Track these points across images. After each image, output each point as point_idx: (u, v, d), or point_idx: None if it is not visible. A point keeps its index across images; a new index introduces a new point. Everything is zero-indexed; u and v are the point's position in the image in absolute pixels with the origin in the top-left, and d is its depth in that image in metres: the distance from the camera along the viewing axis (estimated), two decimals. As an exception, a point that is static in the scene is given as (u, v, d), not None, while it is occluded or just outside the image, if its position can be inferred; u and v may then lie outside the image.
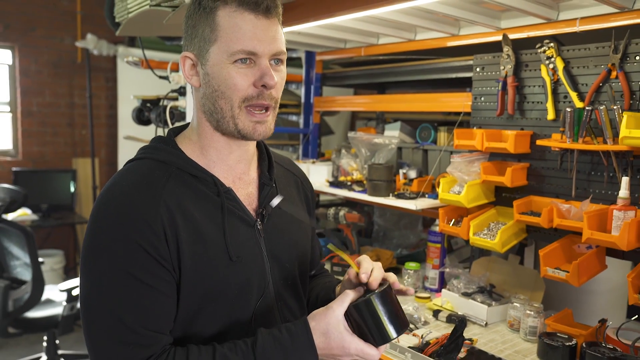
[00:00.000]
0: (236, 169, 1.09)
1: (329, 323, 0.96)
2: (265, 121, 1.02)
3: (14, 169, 4.59)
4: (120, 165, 4.93)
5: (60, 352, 3.50)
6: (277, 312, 1.09)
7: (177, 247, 0.95)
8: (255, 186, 1.12)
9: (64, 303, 3.17)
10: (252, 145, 1.12)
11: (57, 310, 3.25)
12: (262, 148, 1.18)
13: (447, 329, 1.79)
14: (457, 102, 2.15)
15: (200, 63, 1.01)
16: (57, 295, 3.42)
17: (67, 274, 4.96)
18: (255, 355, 0.93)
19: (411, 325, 1.79)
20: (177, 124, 2.33)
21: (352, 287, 1.06)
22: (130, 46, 4.86)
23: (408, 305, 1.92)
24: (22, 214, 4.28)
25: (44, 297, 3.24)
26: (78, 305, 3.28)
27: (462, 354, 1.58)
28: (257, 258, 1.06)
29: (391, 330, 0.97)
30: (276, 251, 1.10)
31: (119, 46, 4.78)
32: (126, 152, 4.97)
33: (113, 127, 5.16)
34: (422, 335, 1.68)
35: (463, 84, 2.52)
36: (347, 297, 0.98)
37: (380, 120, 2.85)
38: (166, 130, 1.14)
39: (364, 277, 1.03)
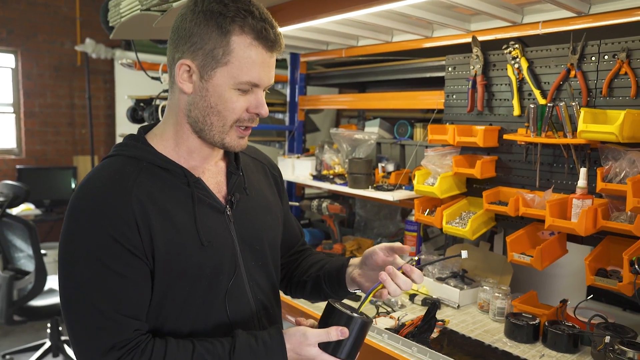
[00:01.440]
0: (205, 162, 1.09)
1: (302, 348, 0.97)
2: (244, 137, 1.06)
3: (17, 166, 4.54)
4: (119, 162, 4.92)
5: (63, 338, 3.49)
6: (249, 291, 1.09)
7: (150, 236, 0.95)
8: (223, 175, 1.12)
9: (66, 292, 3.15)
10: None
11: (58, 299, 3.23)
12: None
13: (422, 312, 1.80)
14: (432, 99, 2.16)
15: (200, 75, 0.99)
16: (60, 285, 3.39)
17: (70, 265, 4.92)
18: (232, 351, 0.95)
19: (388, 309, 1.80)
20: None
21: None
22: (126, 49, 4.81)
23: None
24: (26, 208, 4.23)
25: (47, 286, 3.21)
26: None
27: (435, 334, 1.60)
28: (227, 242, 1.06)
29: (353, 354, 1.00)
30: (245, 235, 1.10)
31: (116, 50, 4.73)
32: (124, 149, 4.94)
33: (111, 126, 5.11)
34: (398, 318, 1.70)
35: (437, 83, 2.53)
36: (326, 334, 0.98)
37: (361, 117, 2.86)
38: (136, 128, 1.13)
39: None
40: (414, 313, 1.78)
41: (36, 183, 4.36)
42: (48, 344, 3.43)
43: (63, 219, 0.98)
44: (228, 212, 1.08)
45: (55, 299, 3.24)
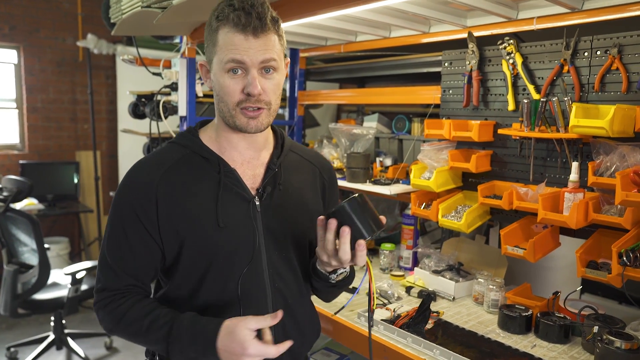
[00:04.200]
0: (245, 154, 1.20)
1: (239, 329, 1.02)
2: (256, 117, 1.11)
3: (21, 161, 4.58)
4: (121, 156, 4.96)
5: (66, 331, 3.54)
6: (267, 278, 1.17)
7: (170, 214, 1.11)
8: (263, 169, 1.21)
9: (69, 286, 3.20)
10: (260, 136, 1.21)
11: (63, 293, 3.27)
12: (278, 138, 1.28)
13: (418, 304, 1.83)
14: (429, 94, 2.18)
15: (209, 70, 1.15)
16: (63, 278, 3.44)
17: (72, 259, 4.97)
18: (172, 326, 1.08)
19: (384, 300, 1.84)
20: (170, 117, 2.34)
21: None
22: (128, 45, 4.84)
23: (383, 283, 1.97)
24: (30, 203, 4.28)
25: (50, 280, 3.26)
26: (82, 287, 3.31)
27: (429, 325, 1.63)
28: (247, 228, 1.15)
29: (363, 231, 1.03)
30: (272, 226, 1.18)
31: (117, 45, 4.76)
32: (126, 144, 4.98)
33: (113, 121, 5.15)
34: (394, 309, 1.73)
35: (435, 78, 2.55)
36: (263, 319, 1.04)
37: (360, 112, 2.89)
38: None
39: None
40: (409, 305, 1.81)
41: (39, 178, 4.41)
42: (52, 336, 3.48)
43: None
44: (256, 202, 1.17)
45: (58, 293, 3.28)
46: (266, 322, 1.03)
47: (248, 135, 1.17)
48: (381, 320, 1.65)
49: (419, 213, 2.01)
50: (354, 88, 3.40)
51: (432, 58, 2.27)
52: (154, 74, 2.50)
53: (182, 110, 2.45)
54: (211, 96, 2.68)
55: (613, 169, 1.49)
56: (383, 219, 1.07)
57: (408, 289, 1.96)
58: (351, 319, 1.72)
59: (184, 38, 2.43)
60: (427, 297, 1.59)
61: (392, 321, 1.63)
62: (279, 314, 1.04)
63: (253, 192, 1.18)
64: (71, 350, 3.47)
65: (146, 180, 1.12)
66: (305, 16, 1.95)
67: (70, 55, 4.93)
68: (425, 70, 2.31)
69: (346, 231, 1.02)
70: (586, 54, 1.63)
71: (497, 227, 2.12)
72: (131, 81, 4.85)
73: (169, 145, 1.22)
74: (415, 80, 2.96)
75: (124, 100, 4.88)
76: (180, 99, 2.44)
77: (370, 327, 1.19)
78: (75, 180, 4.74)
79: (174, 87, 2.44)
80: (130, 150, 4.97)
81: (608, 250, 1.56)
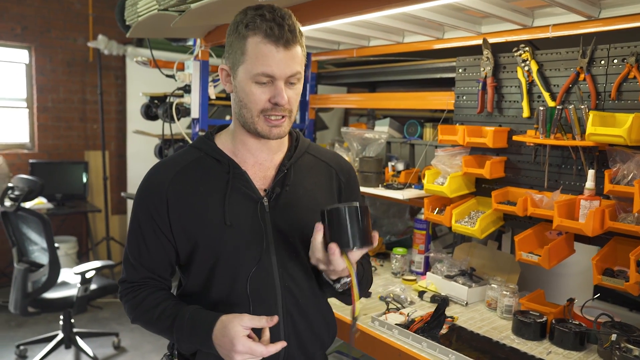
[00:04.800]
0: (258, 156, 1.24)
1: (232, 326, 1.06)
2: (280, 125, 1.16)
3: (30, 160, 4.61)
4: (129, 157, 4.98)
5: (75, 330, 3.55)
6: (277, 277, 1.19)
7: (180, 213, 1.17)
8: (274, 170, 1.25)
9: (79, 285, 3.22)
10: (274, 141, 1.23)
11: (72, 292, 3.29)
12: (292, 141, 1.30)
13: (431, 308, 1.84)
14: (441, 100, 2.19)
15: (232, 75, 1.17)
16: (72, 277, 3.46)
17: (80, 258, 4.99)
18: (175, 318, 1.15)
19: (397, 305, 1.84)
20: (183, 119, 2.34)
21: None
22: (138, 46, 4.86)
23: (395, 287, 1.98)
24: (39, 202, 4.30)
25: (60, 279, 3.27)
26: (92, 287, 3.33)
27: (444, 330, 1.63)
28: (255, 228, 1.18)
29: (350, 240, 1.04)
30: (282, 226, 1.20)
31: (127, 46, 4.78)
32: (134, 144, 5.00)
33: (122, 122, 5.18)
34: (407, 314, 1.73)
35: (446, 84, 2.56)
36: (258, 320, 1.08)
37: (371, 116, 2.89)
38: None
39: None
40: (422, 309, 1.81)
41: (48, 177, 4.43)
42: (60, 335, 3.49)
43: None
44: (265, 202, 1.20)
45: (67, 292, 3.30)
46: (260, 322, 1.07)
47: (264, 139, 1.20)
48: (395, 324, 1.65)
49: (432, 218, 2.01)
50: (363, 92, 3.40)
51: (445, 64, 2.28)
52: (167, 76, 2.51)
53: (195, 112, 2.46)
54: (222, 99, 2.69)
55: (630, 177, 1.49)
56: (375, 237, 1.08)
57: (421, 294, 1.96)
58: (364, 323, 1.72)
59: (198, 41, 2.45)
60: (443, 302, 1.59)
61: (407, 326, 1.63)
62: (275, 318, 1.08)
63: (262, 193, 1.21)
64: (80, 349, 3.49)
65: (159, 181, 1.19)
66: (320, 22, 1.95)
67: (80, 55, 4.96)
68: (437, 76, 2.31)
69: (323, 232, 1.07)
70: (603, 62, 1.63)
71: (509, 233, 2.12)
72: (141, 82, 4.88)
73: (188, 148, 1.27)
74: (425, 86, 2.97)
75: (134, 101, 4.91)
76: (193, 101, 2.45)
77: (353, 333, 1.15)
78: (84, 180, 4.76)
79: (187, 89, 2.45)
80: (139, 151, 4.99)
81: (624, 258, 1.57)
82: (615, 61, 1.60)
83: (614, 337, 1.39)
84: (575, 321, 1.62)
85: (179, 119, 2.43)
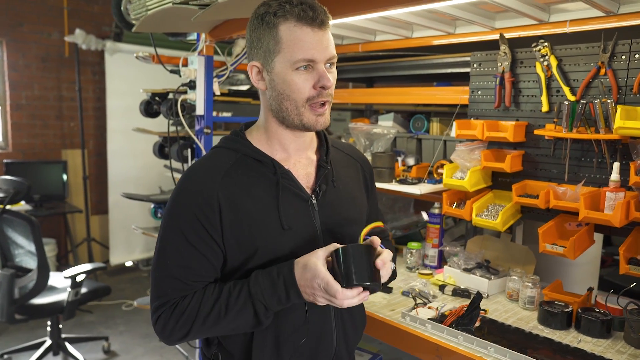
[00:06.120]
0: (296, 154, 1.20)
1: (310, 259, 1.04)
2: (324, 114, 1.13)
3: (5, 160, 4.39)
4: (109, 155, 4.81)
5: (64, 335, 3.42)
6: None
7: (233, 219, 1.08)
8: (314, 167, 1.22)
9: (69, 289, 3.09)
10: (308, 135, 1.21)
11: (61, 297, 3.15)
12: (321, 137, 1.27)
13: (455, 301, 1.86)
14: (454, 95, 2.20)
15: (265, 70, 1.11)
16: (60, 281, 3.32)
17: (60, 261, 4.81)
18: (248, 288, 1.07)
19: (424, 299, 1.84)
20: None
21: None
22: (117, 41, 4.71)
23: (416, 282, 1.98)
24: (17, 204, 4.11)
25: (49, 283, 3.13)
26: (82, 290, 3.20)
27: (476, 323, 1.65)
28: (309, 229, 1.15)
29: (354, 279, 1.02)
30: (330, 224, 1.18)
31: (106, 41, 4.62)
32: (115, 143, 4.84)
33: (101, 119, 5.00)
34: (437, 308, 1.74)
35: (451, 78, 2.57)
36: (332, 246, 1.07)
37: (371, 111, 2.88)
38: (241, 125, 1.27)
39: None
40: (447, 302, 1.82)
41: (25, 178, 4.22)
42: (48, 342, 3.36)
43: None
44: (313, 201, 1.17)
45: (56, 297, 3.16)
46: (329, 249, 1.05)
47: (300, 135, 1.18)
48: (428, 319, 1.65)
49: (451, 212, 2.02)
50: (360, 88, 3.39)
51: (453, 59, 2.28)
52: (171, 71, 2.43)
53: (200, 109, 2.39)
54: (225, 95, 2.63)
55: (656, 168, 1.54)
56: (379, 276, 1.06)
57: (441, 287, 1.97)
58: (394, 318, 1.71)
59: (202, 35, 2.37)
60: (478, 295, 1.60)
61: (440, 320, 1.64)
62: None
63: (309, 192, 1.18)
64: (69, 355, 3.36)
65: (206, 187, 1.09)
66: (335, 18, 1.90)
67: (55, 50, 4.76)
68: (447, 71, 2.32)
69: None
70: (624, 57, 1.67)
71: (522, 225, 2.16)
72: (121, 78, 4.73)
73: (217, 150, 1.19)
74: (423, 80, 2.98)
75: (114, 97, 4.75)
76: (198, 97, 2.38)
77: None
78: (64, 180, 4.57)
79: (192, 85, 2.38)
80: (120, 149, 4.84)
81: (646, 247, 1.62)
82: (637, 56, 1.64)
83: (650, 324, 1.43)
84: (599, 309, 1.66)
85: (184, 116, 2.36)
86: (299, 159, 1.20)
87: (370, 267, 1.04)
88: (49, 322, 3.37)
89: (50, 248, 4.52)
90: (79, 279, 3.10)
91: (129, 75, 4.71)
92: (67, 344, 3.39)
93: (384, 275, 1.07)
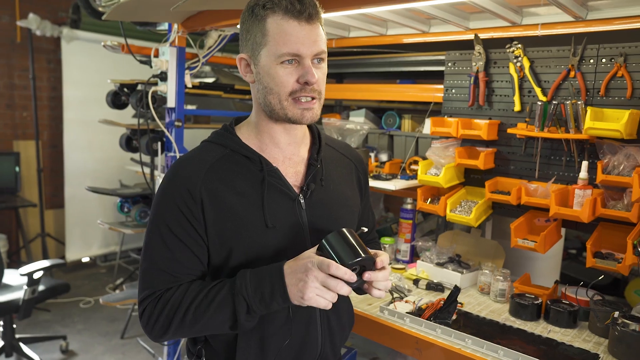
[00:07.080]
0: (286, 151, 1.18)
1: (301, 254, 1.03)
2: (311, 108, 1.10)
3: (-50, 151, 4.14)
4: (66, 147, 4.62)
5: (17, 336, 3.26)
6: None
7: (216, 214, 1.07)
8: (304, 165, 1.20)
9: (25, 287, 2.95)
10: (300, 130, 1.19)
11: (15, 295, 3.00)
12: (314, 134, 1.25)
13: (430, 295, 1.90)
14: (426, 93, 2.24)
15: (253, 63, 1.10)
16: (14, 279, 3.16)
17: (11, 257, 4.58)
18: (234, 281, 1.05)
19: (400, 294, 1.88)
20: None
21: None
22: (74, 28, 4.51)
23: (391, 277, 2.01)
24: (-36, 198, 3.88)
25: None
26: (40, 288, 3.06)
27: (453, 316, 1.69)
28: (295, 228, 1.13)
29: (347, 259, 1.00)
30: (318, 223, 1.16)
31: (63, 27, 4.42)
32: (71, 134, 4.64)
33: (56, 109, 4.78)
34: (414, 302, 1.78)
35: (422, 77, 2.62)
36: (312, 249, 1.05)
37: (341, 107, 2.90)
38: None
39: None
40: (421, 296, 1.86)
41: (-26, 170, 4.02)
42: (1, 343, 3.20)
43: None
44: (300, 200, 1.15)
45: (9, 296, 3.00)
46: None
47: (291, 129, 1.16)
48: (406, 312, 1.68)
49: (426, 208, 2.07)
50: (331, 83, 3.39)
51: (424, 57, 2.33)
52: (141, 62, 2.36)
53: (172, 102, 2.33)
54: (196, 88, 2.57)
55: (621, 167, 1.62)
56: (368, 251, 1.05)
57: (415, 282, 2.01)
58: (373, 313, 1.74)
59: (174, 26, 2.31)
60: (455, 289, 1.64)
61: (418, 314, 1.67)
62: None
63: (296, 190, 1.16)
64: (24, 356, 3.21)
65: (189, 179, 1.08)
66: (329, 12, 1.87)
67: (5, 35, 4.50)
68: (421, 69, 2.36)
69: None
70: (592, 60, 1.75)
71: (491, 220, 2.23)
72: (78, 67, 4.55)
73: (206, 144, 1.17)
74: (391, 78, 3.02)
75: (71, 87, 4.55)
76: (169, 89, 2.32)
77: None
78: (17, 172, 4.35)
79: (163, 76, 2.32)
80: (76, 141, 4.65)
81: (610, 242, 1.71)
82: (604, 60, 1.73)
83: (616, 314, 1.51)
84: (566, 301, 1.74)
85: (155, 108, 2.30)
86: (290, 156, 1.18)
87: (359, 244, 1.03)
88: (1, 322, 3.21)
89: (1, 244, 4.29)
90: (36, 276, 2.97)
91: (87, 65, 4.53)
92: (21, 344, 3.24)
93: (384, 277, 1.07)
